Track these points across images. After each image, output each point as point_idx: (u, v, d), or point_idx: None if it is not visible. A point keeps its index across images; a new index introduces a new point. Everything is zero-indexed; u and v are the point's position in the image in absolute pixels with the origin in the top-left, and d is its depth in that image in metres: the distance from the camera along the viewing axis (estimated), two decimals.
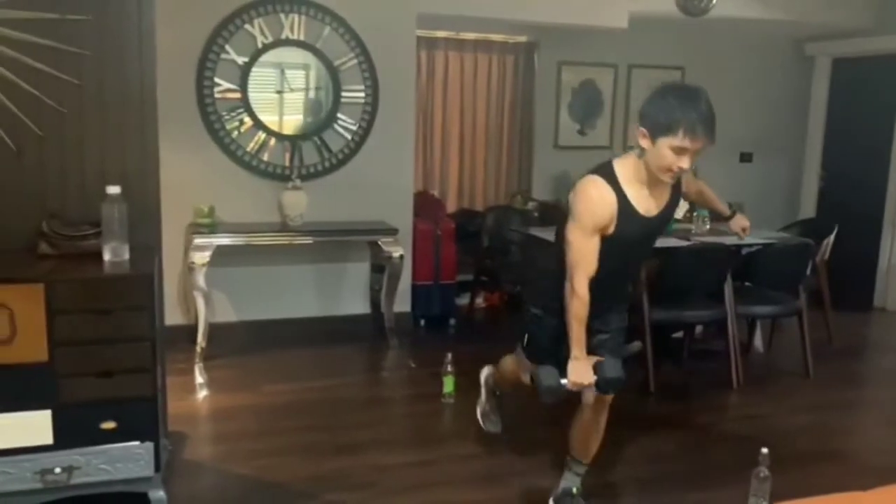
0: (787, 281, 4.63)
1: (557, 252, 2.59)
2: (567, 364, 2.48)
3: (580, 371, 2.47)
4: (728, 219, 3.19)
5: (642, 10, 5.67)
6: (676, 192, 2.62)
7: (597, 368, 2.48)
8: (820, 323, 5.16)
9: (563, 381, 2.48)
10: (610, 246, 2.48)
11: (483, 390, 3.41)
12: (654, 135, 2.36)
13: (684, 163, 2.36)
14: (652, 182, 2.48)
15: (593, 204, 2.45)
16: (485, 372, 3.41)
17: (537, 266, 3.09)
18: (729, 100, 6.86)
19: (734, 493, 3.00)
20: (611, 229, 2.46)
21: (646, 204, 2.51)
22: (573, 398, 2.60)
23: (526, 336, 2.84)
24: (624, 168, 2.48)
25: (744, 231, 3.18)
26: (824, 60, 6.96)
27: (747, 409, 4.20)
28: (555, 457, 3.02)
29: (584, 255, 2.46)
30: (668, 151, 2.34)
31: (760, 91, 7.08)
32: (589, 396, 2.57)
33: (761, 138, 7.20)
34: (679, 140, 2.31)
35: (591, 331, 2.59)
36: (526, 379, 2.82)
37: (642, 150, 2.43)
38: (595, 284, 2.48)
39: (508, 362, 3.10)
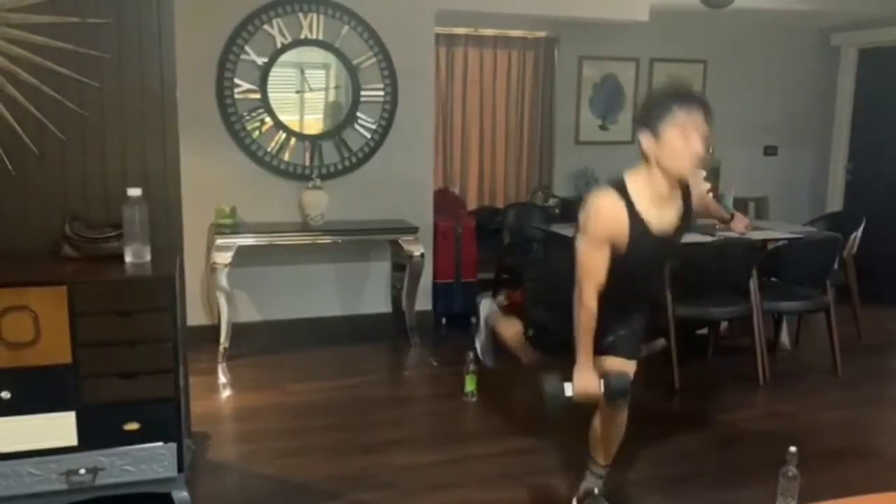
0: (813, 276, 4.56)
1: (570, 258, 2.55)
2: (573, 370, 2.47)
3: (586, 381, 2.46)
4: (729, 222, 3.17)
5: (663, 3, 5.60)
6: (688, 205, 2.57)
7: (603, 378, 2.48)
8: (848, 318, 5.07)
9: (568, 390, 2.45)
10: (623, 264, 2.43)
11: (483, 326, 3.37)
12: (655, 129, 2.35)
13: (696, 144, 2.32)
14: (665, 195, 2.45)
15: (603, 216, 2.42)
16: (485, 307, 3.39)
17: (548, 265, 3.07)
18: (753, 92, 6.83)
19: (761, 493, 2.95)
20: (623, 248, 2.42)
21: (658, 220, 2.46)
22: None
23: (532, 331, 2.87)
24: (635, 182, 2.44)
25: (746, 228, 3.20)
26: (850, 51, 6.84)
27: (774, 407, 4.14)
28: (577, 457, 2.99)
29: (592, 267, 2.44)
30: (676, 139, 2.32)
31: (785, 83, 6.97)
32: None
33: (786, 131, 7.10)
34: (677, 116, 2.31)
35: (601, 332, 2.55)
36: (526, 357, 2.85)
37: (651, 158, 2.39)
38: (609, 301, 2.45)
39: (512, 326, 3.09)
